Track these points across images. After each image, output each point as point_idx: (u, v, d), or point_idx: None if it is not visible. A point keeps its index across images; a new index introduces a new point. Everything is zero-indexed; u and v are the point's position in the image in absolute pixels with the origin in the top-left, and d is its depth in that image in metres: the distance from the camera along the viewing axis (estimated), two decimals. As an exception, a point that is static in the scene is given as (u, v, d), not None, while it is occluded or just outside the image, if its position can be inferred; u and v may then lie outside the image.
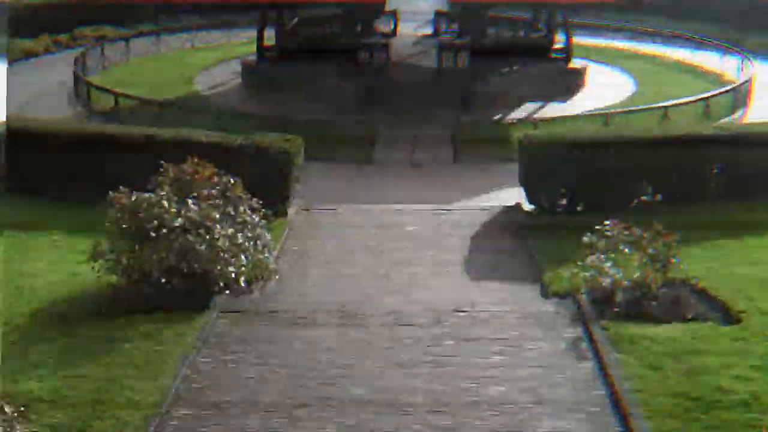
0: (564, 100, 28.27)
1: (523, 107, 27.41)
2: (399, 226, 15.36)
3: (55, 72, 32.37)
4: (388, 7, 45.16)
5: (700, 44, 35.42)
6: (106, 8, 40.85)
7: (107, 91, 25.92)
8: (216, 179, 11.46)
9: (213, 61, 34.78)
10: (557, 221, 15.53)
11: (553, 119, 22.92)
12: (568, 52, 29.89)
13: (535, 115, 26.14)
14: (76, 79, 27.97)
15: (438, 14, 36.61)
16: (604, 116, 22.94)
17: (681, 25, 38.77)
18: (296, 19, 32.46)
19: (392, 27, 36.17)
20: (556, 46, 30.38)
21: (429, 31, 37.40)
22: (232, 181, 11.69)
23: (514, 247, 14.51)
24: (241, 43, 35.52)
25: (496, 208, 16.83)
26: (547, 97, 28.17)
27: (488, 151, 22.19)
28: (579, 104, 27.68)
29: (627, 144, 15.68)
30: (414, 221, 15.70)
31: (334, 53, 27.86)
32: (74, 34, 38.91)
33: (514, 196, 17.74)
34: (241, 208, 11.66)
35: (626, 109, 24.06)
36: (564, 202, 16.09)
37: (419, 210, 16.43)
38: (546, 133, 16.20)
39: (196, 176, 11.28)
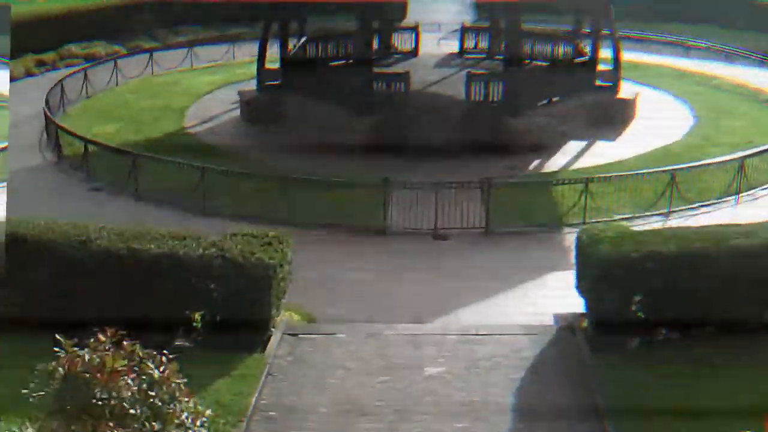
0: (612, 138, 24.13)
1: (565, 149, 23.32)
2: (416, 367, 11.28)
3: (33, 100, 28.60)
4: (408, 19, 41.77)
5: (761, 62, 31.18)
6: (98, 22, 37.12)
7: (74, 136, 22.05)
8: (133, 374, 7.43)
9: (211, 86, 30.90)
10: (635, 357, 11.44)
11: (608, 179, 18.77)
12: (616, 79, 25.71)
13: (583, 162, 22.06)
14: (46, 117, 24.16)
15: (465, 29, 32.47)
16: (669, 175, 18.64)
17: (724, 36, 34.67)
18: (304, 39, 28.51)
19: (413, 44, 32.10)
20: (601, 67, 26.27)
21: (454, 45, 33.33)
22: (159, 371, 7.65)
23: (580, 415, 10.25)
24: (247, 61, 31.47)
25: (545, 329, 12.69)
26: (593, 135, 24.08)
27: (527, 215, 18.19)
28: (631, 144, 23.52)
29: (727, 257, 11.39)
30: (436, 356, 11.64)
31: (347, 82, 23.80)
32: (60, 52, 35.12)
33: (563, 293, 13.66)
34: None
35: (695, 165, 19.77)
36: (641, 315, 11.83)
37: (442, 336, 12.31)
38: (614, 232, 11.99)
39: (101, 374, 7.35)
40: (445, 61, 31.20)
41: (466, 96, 23.52)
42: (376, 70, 24.92)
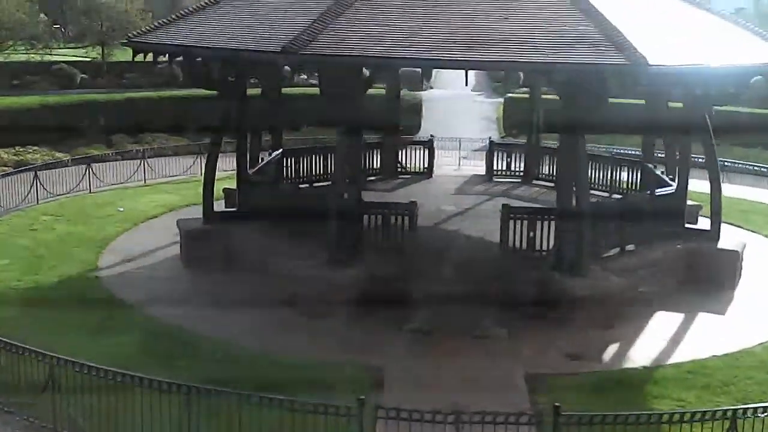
0: (721, 310, 16.19)
1: (652, 325, 15.39)
2: None
3: None
4: (420, 133, 34.61)
5: None
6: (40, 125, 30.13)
7: None
8: None
9: (159, 210, 23.36)
10: None
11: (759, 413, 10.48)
12: (717, 221, 17.97)
13: (686, 351, 14.01)
14: None
15: (493, 145, 25.10)
16: None
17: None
18: (278, 152, 21.09)
19: (427, 163, 24.68)
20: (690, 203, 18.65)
21: (480, 165, 25.97)
22: None
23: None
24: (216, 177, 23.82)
25: None
26: (690, 303, 16.19)
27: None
28: (750, 321, 15.56)
29: None
30: None
31: (324, 213, 16.10)
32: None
33: None
34: None
35: None
36: None
37: None
38: None
39: None
40: (468, 185, 23.74)
41: (502, 239, 15.71)
42: (370, 196, 17.39)
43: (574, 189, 15.53)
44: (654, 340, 14.63)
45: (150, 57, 17.12)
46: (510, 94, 39.65)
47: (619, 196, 20.06)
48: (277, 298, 15.78)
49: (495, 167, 24.48)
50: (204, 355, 13.50)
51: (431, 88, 53.74)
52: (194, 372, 12.13)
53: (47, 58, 48.28)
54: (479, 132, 36.70)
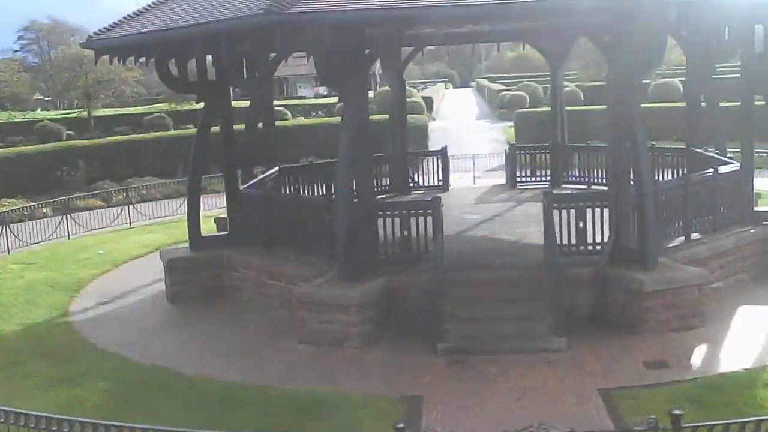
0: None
1: (737, 321, 12.54)
2: None
3: None
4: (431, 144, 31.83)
5: None
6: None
7: None
8: None
9: (143, 249, 20.66)
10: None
11: None
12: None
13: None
14: None
15: (515, 149, 22.42)
16: None
17: None
18: (275, 170, 18.38)
19: (442, 176, 21.99)
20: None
21: (499, 179, 23.31)
22: None
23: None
24: (209, 214, 20.48)
25: None
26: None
27: None
28: None
29: None
30: None
31: (330, 223, 13.38)
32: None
33: None
34: None
35: None
36: None
37: None
38: None
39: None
40: (490, 195, 21.03)
41: (546, 235, 12.89)
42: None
43: (632, 166, 12.80)
44: (747, 338, 11.77)
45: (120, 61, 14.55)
46: (520, 110, 37.18)
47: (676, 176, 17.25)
48: (282, 328, 13.06)
49: (518, 173, 21.76)
50: (197, 397, 10.71)
51: (433, 119, 51.24)
52: (180, 416, 9.37)
53: (30, 116, 45.98)
54: (491, 151, 34.00)
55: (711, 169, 14.77)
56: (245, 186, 16.58)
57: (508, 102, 53.02)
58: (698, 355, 11.30)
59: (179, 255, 15.90)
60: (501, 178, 23.01)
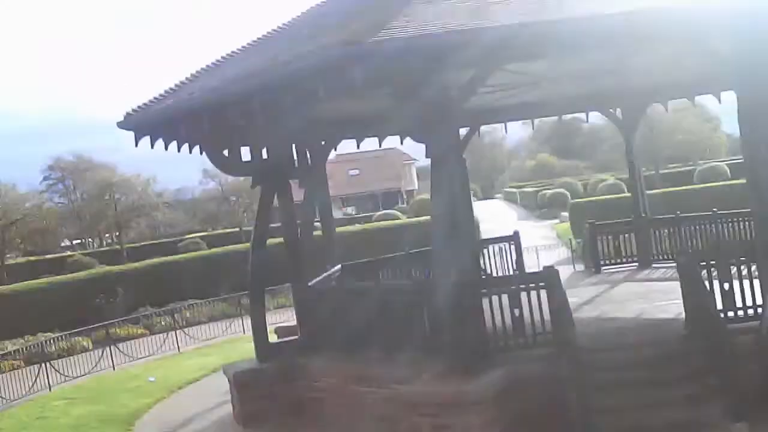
0: None
1: None
2: None
3: None
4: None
5: None
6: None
7: None
8: None
9: (199, 373, 18.62)
10: None
11: None
12: None
13: None
14: None
15: (594, 227, 20.32)
16: None
17: None
18: (337, 268, 16.33)
19: (516, 262, 19.86)
20: None
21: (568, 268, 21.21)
22: None
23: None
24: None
25: None
26: None
27: None
28: None
29: None
30: None
31: (431, 305, 11.34)
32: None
33: None
34: None
35: None
36: None
37: None
38: None
39: None
40: (575, 280, 18.87)
41: (693, 298, 10.65)
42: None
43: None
44: None
45: (161, 144, 12.74)
46: (573, 201, 35.39)
47: None
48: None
49: (600, 256, 19.60)
50: None
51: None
52: None
53: (59, 252, 44.64)
54: (547, 246, 31.90)
55: None
56: (311, 284, 14.57)
57: (548, 200, 51.63)
58: None
59: (246, 368, 13.79)
60: (568, 270, 20.91)
